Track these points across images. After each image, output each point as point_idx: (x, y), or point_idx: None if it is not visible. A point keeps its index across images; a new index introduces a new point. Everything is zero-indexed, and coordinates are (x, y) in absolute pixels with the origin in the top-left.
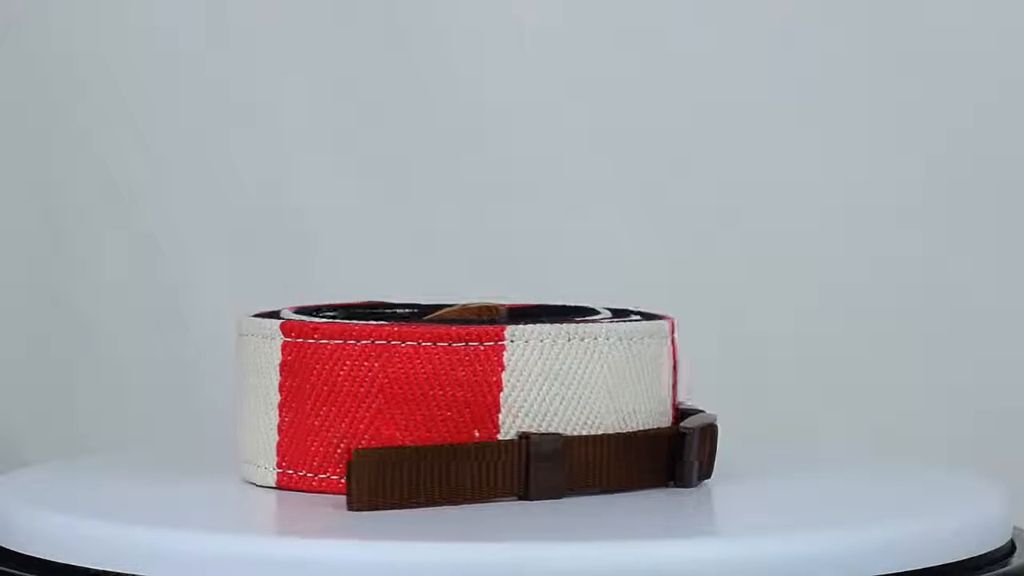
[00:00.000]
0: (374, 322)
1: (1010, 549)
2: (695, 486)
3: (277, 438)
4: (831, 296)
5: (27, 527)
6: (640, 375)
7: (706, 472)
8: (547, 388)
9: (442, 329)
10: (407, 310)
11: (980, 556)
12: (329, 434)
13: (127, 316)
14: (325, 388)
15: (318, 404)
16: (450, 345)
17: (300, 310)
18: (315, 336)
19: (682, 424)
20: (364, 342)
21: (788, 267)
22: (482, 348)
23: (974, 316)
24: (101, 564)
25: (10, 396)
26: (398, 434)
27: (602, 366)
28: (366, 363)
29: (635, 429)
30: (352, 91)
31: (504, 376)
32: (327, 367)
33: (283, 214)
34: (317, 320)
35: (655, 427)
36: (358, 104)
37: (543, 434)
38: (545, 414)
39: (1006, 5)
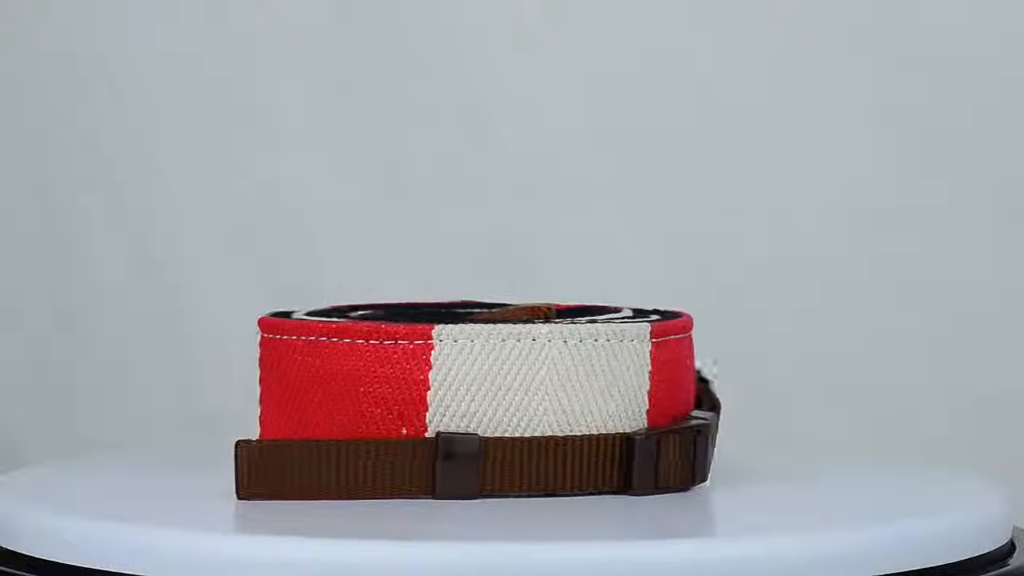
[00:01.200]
0: (327, 319)
1: (1010, 549)
2: (649, 494)
3: (259, 431)
4: (831, 296)
5: (27, 527)
6: (592, 377)
7: (682, 479)
8: (475, 388)
9: (373, 327)
10: (463, 310)
11: (980, 556)
12: (285, 428)
13: (127, 316)
14: (281, 384)
15: (280, 399)
16: (380, 343)
17: (348, 308)
18: (278, 333)
19: (646, 429)
20: (310, 339)
21: (788, 267)
22: (410, 346)
23: (974, 316)
24: (101, 564)
25: (10, 396)
26: (334, 429)
27: (541, 367)
28: (308, 359)
29: (584, 432)
30: (352, 91)
31: (431, 375)
32: (282, 363)
33: (283, 214)
34: (290, 318)
35: (614, 431)
36: (358, 104)
37: (457, 434)
38: (474, 414)
39: (1006, 5)
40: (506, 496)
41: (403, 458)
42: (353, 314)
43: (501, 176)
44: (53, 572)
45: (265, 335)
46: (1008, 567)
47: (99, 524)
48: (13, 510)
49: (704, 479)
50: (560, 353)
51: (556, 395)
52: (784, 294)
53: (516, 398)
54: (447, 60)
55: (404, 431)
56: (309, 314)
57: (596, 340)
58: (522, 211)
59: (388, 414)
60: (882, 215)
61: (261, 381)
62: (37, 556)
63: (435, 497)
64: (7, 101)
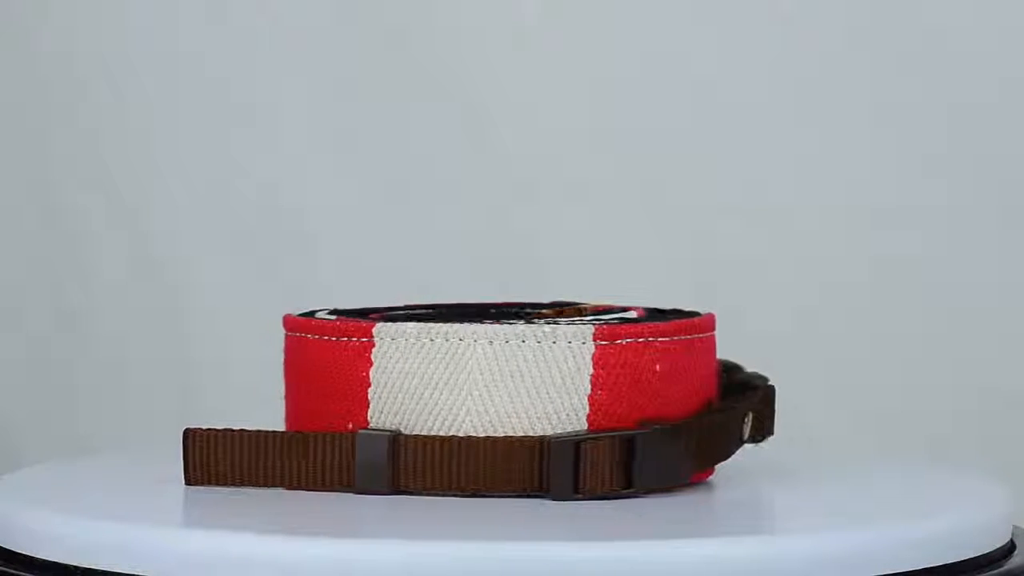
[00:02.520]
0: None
1: (1010, 549)
2: (568, 499)
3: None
4: (831, 296)
5: (27, 527)
6: (519, 379)
7: (606, 485)
8: (406, 386)
9: (329, 324)
10: (515, 310)
11: (980, 556)
12: (289, 419)
13: (127, 316)
14: (286, 377)
15: (287, 392)
16: (331, 339)
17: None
18: (285, 328)
19: (565, 433)
20: (295, 335)
21: (788, 267)
22: (355, 344)
23: (974, 316)
24: (101, 564)
25: (10, 396)
26: (302, 421)
27: (466, 368)
28: (291, 355)
29: (508, 434)
30: (352, 91)
31: (371, 372)
32: (286, 357)
33: (283, 214)
34: (313, 317)
35: (542, 433)
36: (358, 104)
37: (374, 431)
38: (406, 412)
39: (1006, 5)
40: (422, 495)
41: (326, 453)
42: (374, 314)
43: (501, 176)
44: (53, 572)
45: (286, 332)
46: (1008, 567)
47: (99, 524)
48: (13, 510)
49: (650, 485)
50: (484, 354)
51: (479, 396)
52: (784, 294)
53: (442, 397)
54: (447, 60)
55: (350, 426)
56: (332, 312)
57: (524, 341)
58: (522, 211)
59: (339, 409)
60: (882, 215)
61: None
62: (37, 556)
63: (355, 492)
64: (7, 101)
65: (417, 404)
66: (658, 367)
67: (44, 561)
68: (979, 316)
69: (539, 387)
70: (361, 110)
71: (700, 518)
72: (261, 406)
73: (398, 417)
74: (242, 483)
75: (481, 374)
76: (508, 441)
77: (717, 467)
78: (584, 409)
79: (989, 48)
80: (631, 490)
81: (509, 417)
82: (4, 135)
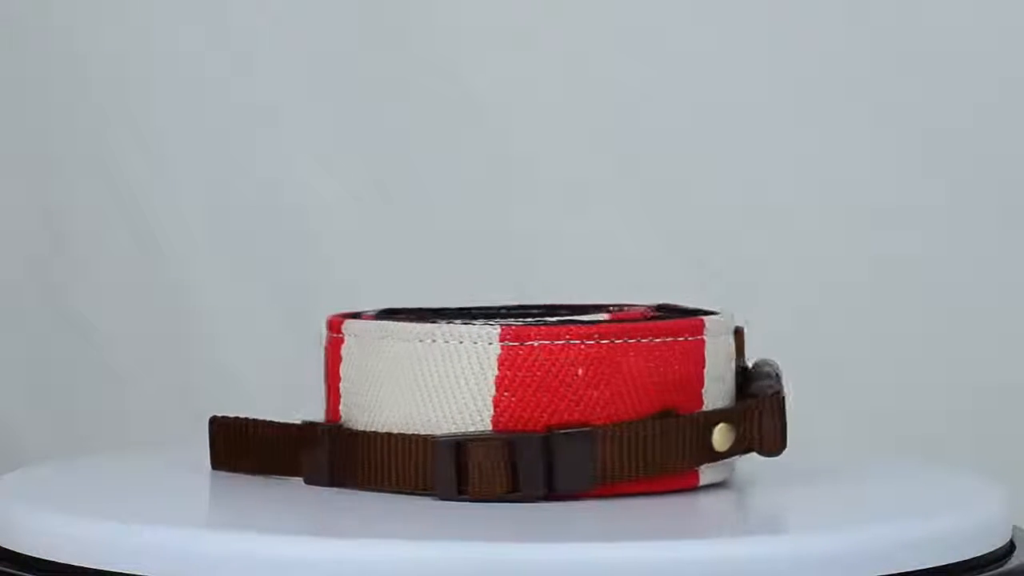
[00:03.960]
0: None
1: (1010, 549)
2: (452, 499)
3: None
4: (831, 296)
5: (27, 527)
6: (426, 378)
7: (491, 488)
8: (356, 382)
9: (333, 320)
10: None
11: (980, 556)
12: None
13: (127, 316)
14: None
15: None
16: (332, 335)
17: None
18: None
19: (453, 434)
20: (333, 334)
21: (788, 267)
22: (334, 339)
23: (974, 316)
24: (101, 564)
25: (10, 396)
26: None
27: (386, 365)
28: (324, 353)
29: (419, 432)
30: (352, 91)
31: (341, 368)
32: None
33: (283, 214)
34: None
35: (448, 432)
36: (358, 104)
37: (318, 424)
38: (353, 407)
39: (1006, 5)
40: (356, 489)
41: (295, 443)
42: (401, 314)
43: (501, 176)
44: (53, 572)
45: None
46: (1008, 567)
47: (99, 524)
48: (13, 510)
49: (536, 491)
50: (397, 352)
51: (394, 393)
52: (784, 294)
53: (369, 393)
54: (447, 60)
55: (332, 418)
56: (381, 311)
57: (433, 341)
58: (522, 211)
59: (333, 403)
60: (882, 215)
61: None
62: (37, 556)
63: (305, 482)
64: (7, 101)
65: (362, 399)
66: (581, 371)
67: (44, 561)
68: (979, 316)
69: (446, 387)
70: (361, 110)
71: (698, 519)
72: (262, 406)
73: (355, 411)
74: (255, 471)
75: (392, 372)
76: (404, 439)
77: (715, 467)
78: (488, 411)
79: (989, 48)
80: (517, 494)
81: (420, 415)
82: (4, 135)
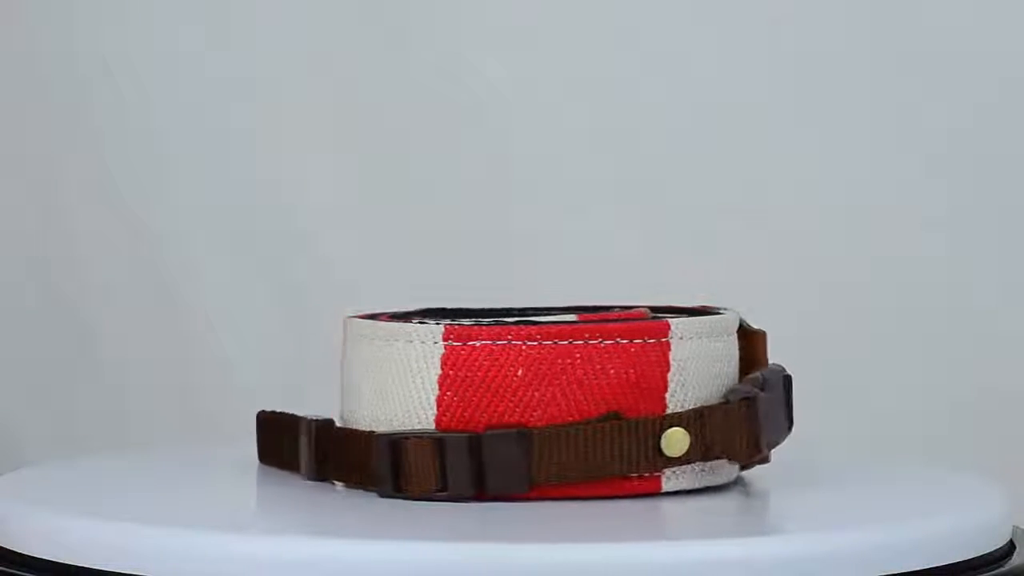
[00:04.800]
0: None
1: (1010, 549)
2: (390, 497)
3: None
4: (831, 296)
5: (27, 527)
6: (382, 374)
7: (422, 486)
8: (347, 380)
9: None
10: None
11: (980, 556)
12: None
13: (127, 316)
14: None
15: None
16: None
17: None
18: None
19: (391, 433)
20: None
21: (788, 267)
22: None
23: (974, 316)
24: (101, 564)
25: (10, 396)
26: None
27: (355, 362)
28: None
29: (374, 429)
30: (352, 91)
31: (341, 366)
32: None
33: (283, 214)
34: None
35: (398, 430)
36: (358, 104)
37: (311, 420)
38: (348, 406)
39: (1006, 5)
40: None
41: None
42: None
43: (501, 176)
44: (53, 572)
45: None
46: (1008, 567)
47: (99, 524)
48: (13, 510)
49: (463, 490)
50: (365, 352)
51: (365, 392)
52: (784, 294)
53: (354, 391)
54: (447, 60)
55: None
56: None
57: (395, 340)
58: (522, 211)
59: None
60: (882, 215)
61: None
62: (37, 556)
63: (302, 476)
64: (7, 101)
65: (346, 398)
66: (520, 371)
67: (44, 561)
68: (979, 316)
69: (398, 386)
70: (361, 110)
71: (698, 519)
72: (262, 406)
73: (343, 409)
74: (287, 466)
75: (358, 368)
76: (356, 435)
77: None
78: (432, 410)
79: (989, 48)
80: (445, 493)
81: (382, 414)
82: (4, 135)
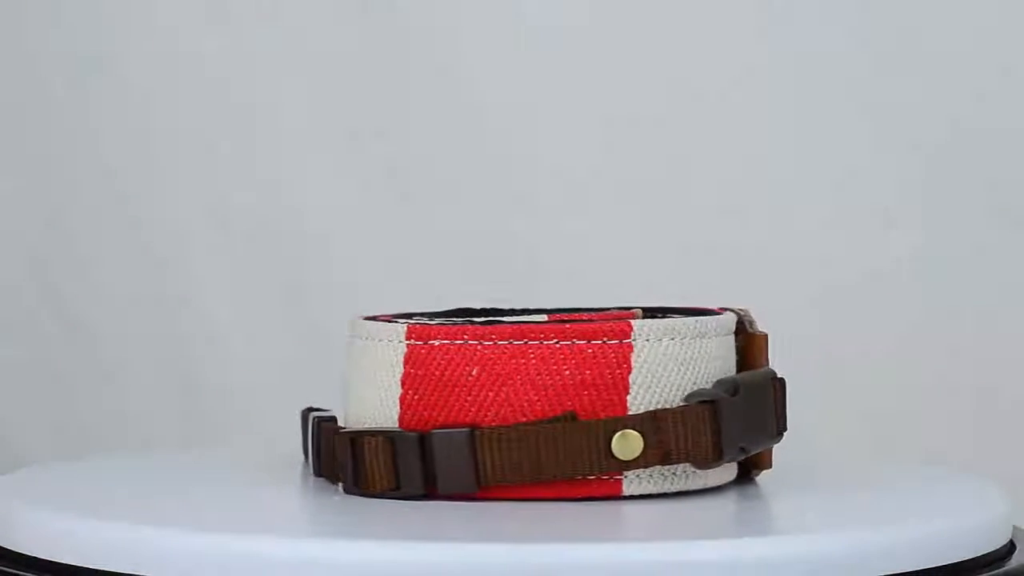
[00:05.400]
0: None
1: (1010, 549)
2: (353, 494)
3: None
4: (831, 296)
5: (27, 527)
6: (358, 373)
7: (380, 484)
8: (344, 378)
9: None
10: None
11: (980, 556)
12: None
13: (127, 316)
14: None
15: None
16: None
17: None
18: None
19: (354, 431)
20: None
21: (788, 267)
22: None
23: (974, 316)
24: (101, 564)
25: (10, 396)
26: None
27: (350, 363)
28: None
29: (352, 427)
30: (352, 91)
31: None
32: None
33: (283, 214)
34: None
35: (371, 428)
36: (358, 104)
37: (319, 413)
38: (346, 404)
39: (1006, 5)
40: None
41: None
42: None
43: (501, 177)
44: (53, 572)
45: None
46: (1008, 567)
47: (100, 524)
48: (13, 510)
49: (414, 489)
50: (351, 351)
51: (348, 387)
52: (784, 294)
53: (344, 387)
54: (447, 60)
55: None
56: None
57: (370, 339)
58: (522, 213)
59: None
60: (882, 215)
61: None
62: (37, 556)
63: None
64: (7, 101)
65: (346, 396)
66: (475, 371)
67: (44, 561)
68: (978, 316)
69: (368, 384)
70: (361, 110)
71: (697, 520)
72: (261, 406)
73: (344, 407)
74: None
75: (346, 369)
76: (339, 436)
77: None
78: (396, 408)
79: (989, 48)
80: (399, 491)
81: (357, 410)
82: (4, 135)
